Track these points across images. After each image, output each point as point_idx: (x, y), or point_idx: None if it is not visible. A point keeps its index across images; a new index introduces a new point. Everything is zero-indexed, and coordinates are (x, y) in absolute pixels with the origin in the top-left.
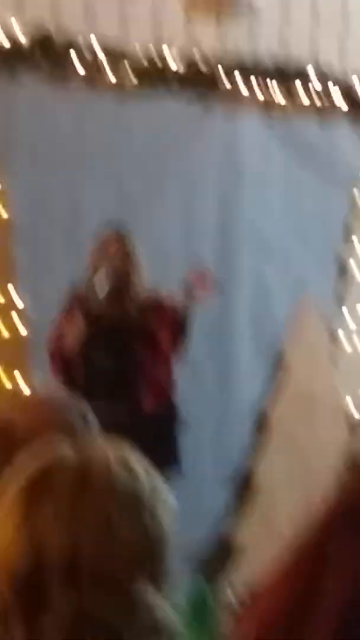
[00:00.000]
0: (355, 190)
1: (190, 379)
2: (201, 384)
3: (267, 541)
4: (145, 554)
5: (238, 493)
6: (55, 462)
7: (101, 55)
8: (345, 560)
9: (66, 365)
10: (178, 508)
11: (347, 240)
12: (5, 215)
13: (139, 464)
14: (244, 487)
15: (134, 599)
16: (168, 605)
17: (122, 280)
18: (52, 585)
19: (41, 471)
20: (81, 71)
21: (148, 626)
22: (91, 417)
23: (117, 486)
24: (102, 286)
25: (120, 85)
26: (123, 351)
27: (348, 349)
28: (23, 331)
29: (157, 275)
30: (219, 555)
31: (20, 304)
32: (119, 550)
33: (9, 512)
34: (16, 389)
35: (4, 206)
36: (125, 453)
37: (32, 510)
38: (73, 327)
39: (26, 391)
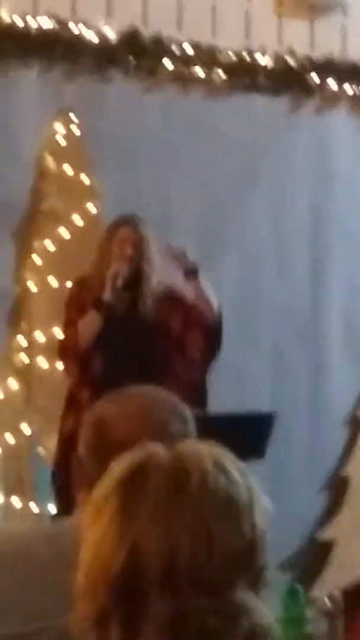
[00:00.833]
0: None
1: (282, 384)
2: (293, 388)
3: None
4: (243, 558)
5: (331, 496)
6: (146, 461)
7: (190, 51)
8: None
9: (82, 361)
10: (272, 510)
11: None
12: (94, 211)
13: (234, 465)
14: (337, 490)
15: (233, 604)
16: (266, 609)
17: (136, 274)
18: (150, 590)
19: (134, 471)
20: (170, 66)
21: (247, 631)
22: (190, 419)
23: (213, 488)
24: (118, 280)
25: (208, 81)
26: (141, 346)
27: None
28: None
29: (247, 276)
30: (313, 558)
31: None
32: (217, 554)
33: (105, 517)
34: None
35: (92, 200)
36: (219, 453)
37: (128, 513)
38: (88, 321)
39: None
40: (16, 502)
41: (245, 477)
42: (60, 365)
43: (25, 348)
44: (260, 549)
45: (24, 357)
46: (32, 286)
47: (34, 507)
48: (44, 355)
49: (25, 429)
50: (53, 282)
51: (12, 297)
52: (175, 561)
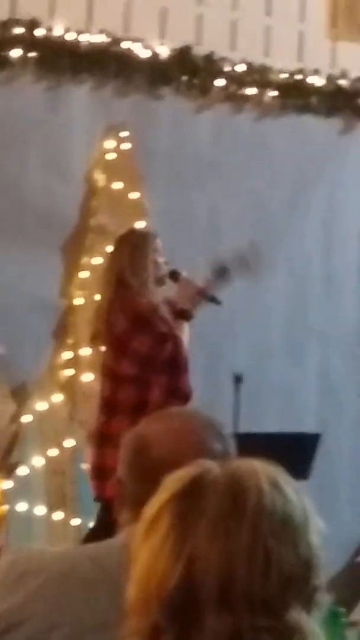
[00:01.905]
0: None
1: (328, 404)
2: (339, 408)
3: None
4: (299, 578)
5: None
6: (203, 476)
7: (242, 70)
8: None
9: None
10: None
11: None
12: (141, 225)
13: (288, 484)
14: None
15: (288, 624)
16: (318, 630)
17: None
18: (205, 608)
19: (189, 487)
20: (222, 85)
21: None
22: (230, 440)
23: (270, 507)
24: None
25: (260, 101)
26: None
27: None
28: None
29: (295, 296)
30: (355, 581)
31: None
32: (274, 573)
33: (160, 532)
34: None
35: (141, 217)
36: (274, 472)
37: (184, 529)
38: (179, 332)
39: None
40: (58, 516)
41: (300, 496)
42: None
43: (71, 362)
44: (315, 569)
45: (69, 372)
46: (79, 301)
47: (75, 521)
48: (88, 370)
49: (69, 443)
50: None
51: (59, 311)
52: (231, 579)
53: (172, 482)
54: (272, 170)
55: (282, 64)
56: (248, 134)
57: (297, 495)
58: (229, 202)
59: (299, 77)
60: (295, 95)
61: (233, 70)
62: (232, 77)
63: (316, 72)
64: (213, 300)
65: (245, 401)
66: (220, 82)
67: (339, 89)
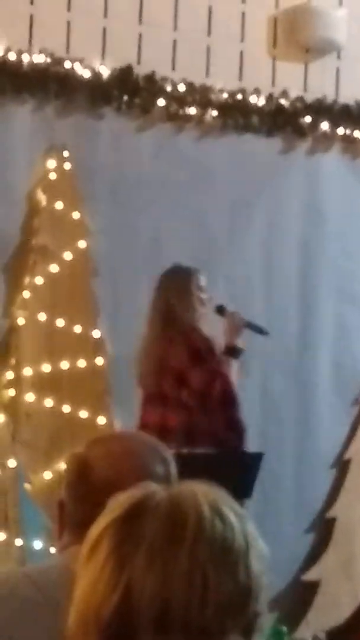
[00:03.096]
0: None
1: (270, 423)
2: (281, 428)
3: (348, 585)
4: (237, 604)
5: (317, 537)
6: (145, 500)
7: (183, 90)
8: None
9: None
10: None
11: None
12: (83, 246)
13: (231, 509)
14: (323, 531)
15: None
16: None
17: None
18: (142, 634)
19: (130, 511)
20: (163, 105)
21: None
22: (173, 463)
23: (209, 534)
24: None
25: (201, 120)
26: None
27: None
28: (101, 363)
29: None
30: (298, 599)
31: (98, 335)
32: (211, 600)
33: (100, 556)
34: (97, 428)
35: (83, 237)
36: (217, 497)
37: (123, 555)
38: (227, 369)
39: (106, 429)
40: (1, 537)
41: (242, 521)
42: (49, 401)
43: (13, 382)
44: (254, 595)
45: (11, 391)
46: (21, 321)
47: (19, 542)
48: (31, 390)
49: (12, 463)
50: (42, 317)
51: (1, 331)
52: (168, 606)
53: (115, 505)
54: (213, 190)
55: (223, 84)
56: (189, 154)
57: (238, 520)
58: (171, 221)
59: (239, 96)
60: (236, 115)
61: (174, 89)
62: (173, 97)
63: (257, 91)
64: (260, 331)
65: None
66: (161, 102)
67: (280, 108)
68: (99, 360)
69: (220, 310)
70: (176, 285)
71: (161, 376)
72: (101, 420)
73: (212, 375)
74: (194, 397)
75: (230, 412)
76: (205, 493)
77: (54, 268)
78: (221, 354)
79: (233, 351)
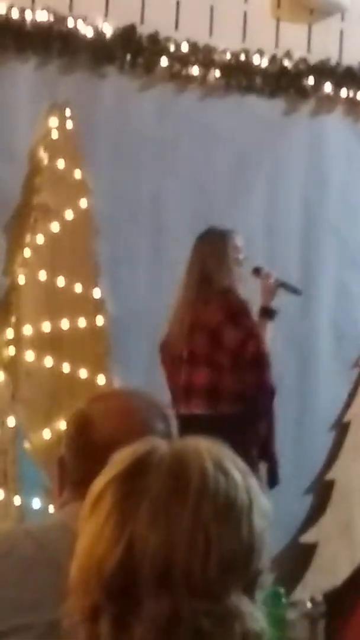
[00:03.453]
0: None
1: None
2: (280, 388)
3: (346, 548)
4: (240, 562)
5: (316, 499)
6: (148, 455)
7: (186, 50)
8: None
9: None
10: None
11: None
12: (84, 205)
13: (235, 466)
14: (321, 493)
15: (227, 608)
16: (260, 614)
17: None
18: (144, 591)
19: (133, 467)
20: (166, 65)
21: (240, 635)
22: (173, 420)
23: (213, 490)
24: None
25: (204, 81)
26: None
27: None
28: (101, 323)
29: None
30: (295, 561)
31: (98, 295)
32: (214, 557)
33: (103, 511)
34: (97, 387)
35: (84, 196)
36: (220, 453)
37: (126, 510)
38: (268, 331)
39: (106, 388)
40: None
41: (246, 478)
42: (48, 360)
43: (13, 341)
44: (257, 552)
45: (11, 350)
46: (21, 280)
47: (17, 500)
48: (31, 348)
49: (11, 421)
50: (43, 276)
51: (2, 290)
52: (171, 562)
53: (117, 461)
54: (215, 150)
55: (226, 44)
56: (192, 114)
57: (242, 477)
58: (172, 180)
59: (242, 57)
60: (239, 76)
61: (177, 49)
62: (176, 57)
63: (260, 52)
64: (295, 291)
65: None
66: (164, 62)
67: (283, 69)
68: (99, 320)
69: (256, 271)
70: (212, 247)
71: (194, 337)
72: (101, 379)
73: (246, 335)
74: (226, 356)
75: (262, 373)
76: (209, 449)
77: (55, 227)
78: (256, 315)
79: (268, 312)
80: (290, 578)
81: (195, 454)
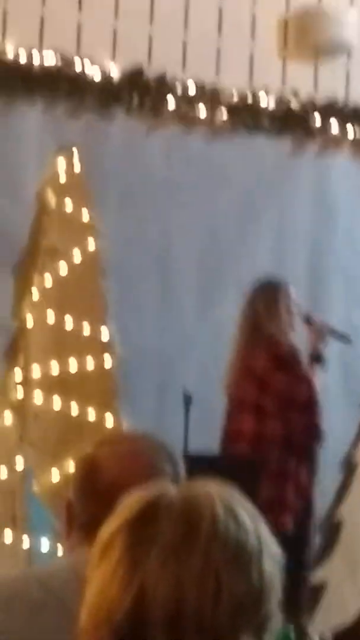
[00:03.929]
0: None
1: None
2: None
3: (354, 587)
4: (250, 607)
5: (324, 539)
6: (158, 500)
7: (193, 90)
8: None
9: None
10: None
11: None
12: (92, 247)
13: (245, 510)
14: (330, 533)
15: None
16: None
17: None
18: (155, 635)
19: (143, 511)
20: (173, 105)
21: None
22: (181, 463)
23: (223, 535)
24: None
25: (211, 121)
26: None
27: None
28: (109, 364)
29: None
30: (305, 598)
31: (107, 337)
32: (224, 602)
33: (113, 557)
34: (105, 429)
35: (92, 238)
36: (230, 497)
37: (137, 556)
38: (318, 377)
39: (114, 429)
40: (8, 537)
41: (256, 522)
42: (57, 401)
43: (21, 382)
44: (267, 597)
45: (19, 392)
46: (30, 321)
47: (26, 542)
48: (39, 389)
49: (20, 463)
50: (51, 317)
51: (10, 331)
52: (181, 608)
53: (126, 505)
54: (223, 191)
55: (233, 84)
56: (199, 155)
57: (252, 521)
58: (181, 222)
59: (249, 97)
60: (246, 116)
61: (184, 90)
62: (184, 98)
63: (267, 92)
64: (345, 339)
65: (195, 422)
66: (171, 103)
67: (290, 109)
68: (107, 361)
69: (307, 319)
70: (264, 296)
71: (242, 383)
72: (109, 420)
73: (298, 380)
74: (274, 402)
75: (312, 418)
76: (220, 493)
77: (62, 269)
78: (306, 361)
79: (317, 358)
80: (299, 614)
81: (206, 498)
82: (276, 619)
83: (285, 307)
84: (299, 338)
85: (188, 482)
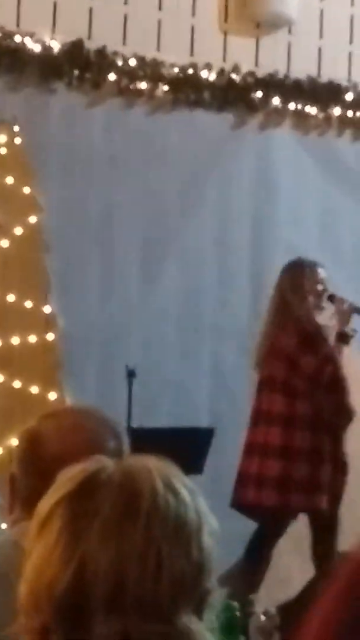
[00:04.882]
0: None
1: (222, 399)
2: (233, 403)
3: (298, 560)
4: (190, 582)
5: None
6: (96, 474)
7: (134, 65)
8: None
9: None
10: (220, 531)
11: None
12: (34, 221)
13: (183, 484)
14: None
15: (177, 629)
16: (208, 632)
17: None
18: (95, 612)
19: (82, 486)
20: (114, 80)
21: None
22: (124, 438)
23: (163, 510)
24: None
25: (152, 95)
26: None
27: None
28: (52, 339)
29: (186, 291)
30: (249, 575)
31: (49, 310)
32: (165, 578)
33: (52, 532)
34: (48, 403)
35: (34, 212)
36: (169, 472)
37: (77, 531)
38: (339, 355)
39: (58, 404)
40: None
41: (195, 497)
42: (0, 377)
43: None
44: (207, 572)
45: None
46: None
47: None
48: None
49: None
50: None
51: None
52: (122, 583)
53: (65, 480)
54: (164, 165)
55: (174, 58)
56: (140, 129)
57: (191, 496)
58: (122, 196)
59: (190, 71)
60: (187, 90)
61: (125, 64)
62: (124, 72)
63: (208, 66)
64: None
65: (138, 396)
66: (112, 77)
67: (231, 83)
68: (50, 336)
69: (331, 297)
70: (290, 277)
71: (272, 361)
72: (52, 395)
73: (324, 360)
74: (304, 382)
75: (340, 396)
76: (158, 468)
77: (4, 243)
78: (332, 340)
79: (343, 337)
80: (244, 591)
81: (145, 472)
82: (216, 595)
83: (311, 287)
84: (325, 318)
85: (128, 457)
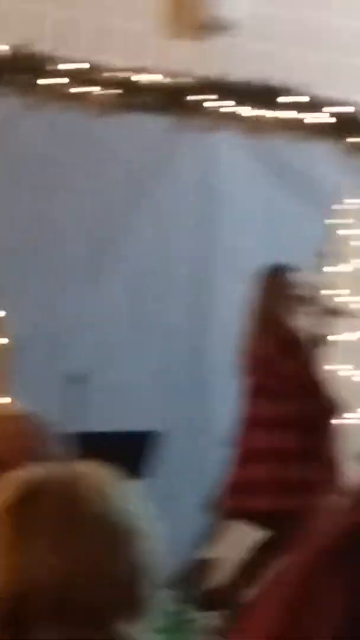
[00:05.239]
0: (332, 211)
1: (169, 402)
2: (180, 406)
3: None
4: (128, 588)
5: (215, 516)
6: (36, 486)
7: (76, 68)
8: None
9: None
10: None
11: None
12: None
13: (122, 491)
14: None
15: (116, 635)
16: (150, 637)
17: None
18: (37, 619)
19: (23, 496)
20: (55, 84)
21: None
22: (67, 443)
23: (99, 516)
24: None
25: (94, 99)
26: None
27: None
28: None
29: (132, 294)
30: (195, 578)
31: (1, 315)
32: (104, 584)
33: None
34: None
35: None
36: (106, 478)
37: (20, 540)
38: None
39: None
40: None
41: (134, 502)
42: None
43: None
44: (146, 574)
45: None
46: None
47: None
48: None
49: None
50: None
51: None
52: (61, 591)
53: (6, 487)
54: (108, 169)
55: (116, 62)
56: (82, 133)
57: (128, 501)
58: (66, 200)
59: (130, 75)
60: (129, 94)
61: (66, 68)
62: (65, 75)
63: (150, 69)
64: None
65: (87, 400)
66: (52, 80)
67: (173, 86)
68: (2, 340)
69: (310, 301)
70: (269, 283)
71: (256, 367)
72: (3, 400)
73: (301, 363)
74: (285, 385)
75: (321, 395)
76: (97, 475)
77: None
78: (307, 343)
79: (320, 340)
80: (188, 594)
81: (83, 480)
82: (156, 598)
83: (289, 292)
84: (303, 321)
85: (67, 464)
